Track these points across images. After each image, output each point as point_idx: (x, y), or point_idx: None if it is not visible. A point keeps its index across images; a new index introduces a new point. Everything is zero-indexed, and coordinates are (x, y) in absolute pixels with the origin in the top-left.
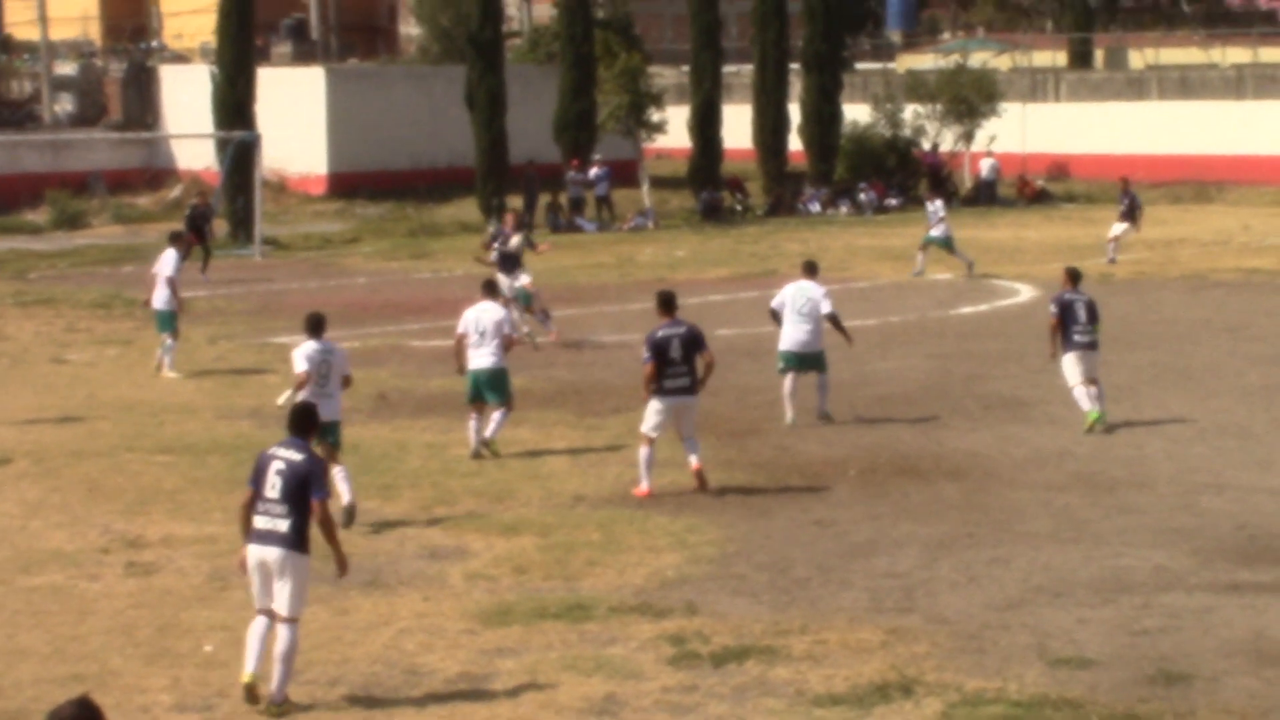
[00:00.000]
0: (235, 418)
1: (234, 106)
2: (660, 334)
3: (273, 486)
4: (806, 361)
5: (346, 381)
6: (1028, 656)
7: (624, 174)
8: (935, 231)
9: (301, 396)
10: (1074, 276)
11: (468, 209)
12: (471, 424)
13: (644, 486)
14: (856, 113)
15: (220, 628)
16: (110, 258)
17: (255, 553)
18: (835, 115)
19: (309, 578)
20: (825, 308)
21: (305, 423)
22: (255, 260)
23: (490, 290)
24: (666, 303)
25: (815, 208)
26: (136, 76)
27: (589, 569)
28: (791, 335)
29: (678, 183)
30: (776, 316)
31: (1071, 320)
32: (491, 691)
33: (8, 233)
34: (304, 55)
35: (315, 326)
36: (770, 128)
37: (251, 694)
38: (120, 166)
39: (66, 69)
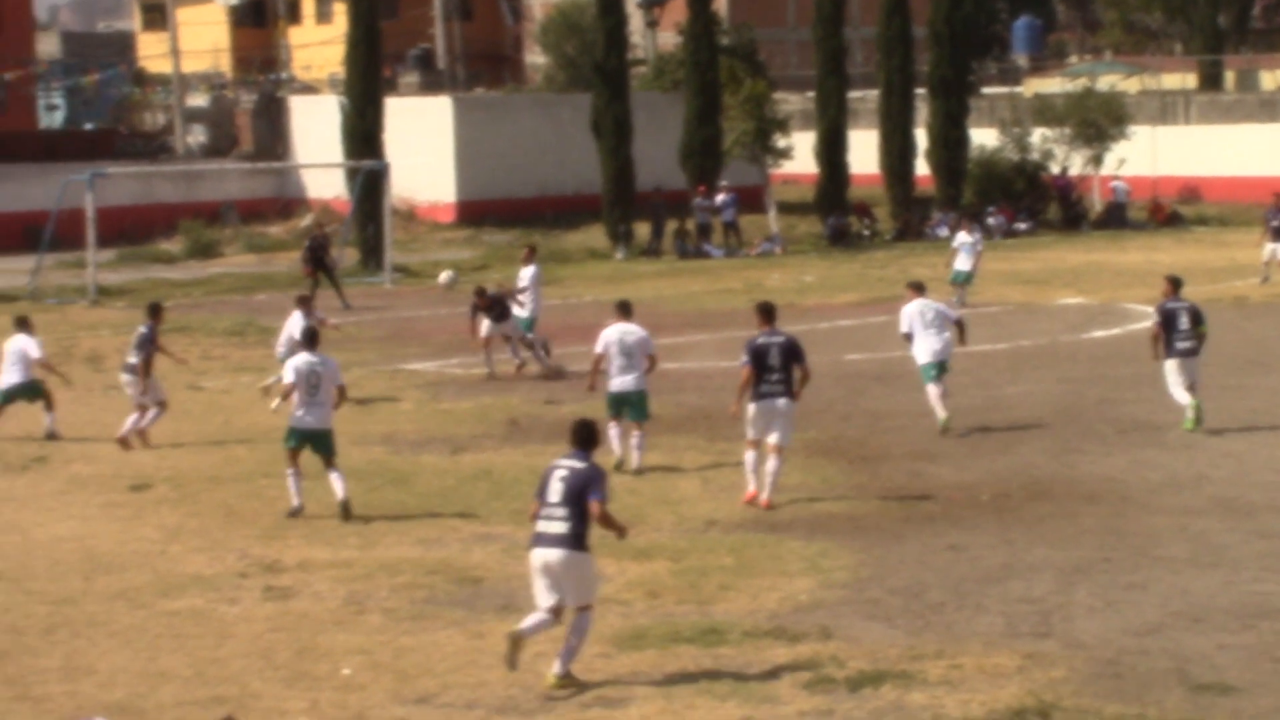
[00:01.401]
0: (368, 444)
1: (363, 136)
2: (759, 341)
3: (554, 492)
4: (944, 367)
5: (340, 393)
6: (1168, 682)
7: (751, 200)
8: (967, 265)
9: (292, 406)
10: (1176, 284)
11: (595, 236)
12: (613, 433)
13: (750, 490)
14: (983, 137)
15: (357, 651)
16: (243, 286)
17: (539, 555)
18: (962, 140)
19: (594, 570)
20: (953, 314)
21: (588, 436)
22: (385, 288)
23: (625, 311)
24: (766, 312)
25: (943, 232)
26: (267, 107)
27: (722, 593)
28: (928, 346)
29: (805, 208)
30: (910, 338)
31: (1173, 327)
32: (627, 715)
33: (143, 262)
34: (431, 85)
35: (308, 340)
36: (897, 153)
37: (569, 683)
38: (252, 196)
39: (199, 101)
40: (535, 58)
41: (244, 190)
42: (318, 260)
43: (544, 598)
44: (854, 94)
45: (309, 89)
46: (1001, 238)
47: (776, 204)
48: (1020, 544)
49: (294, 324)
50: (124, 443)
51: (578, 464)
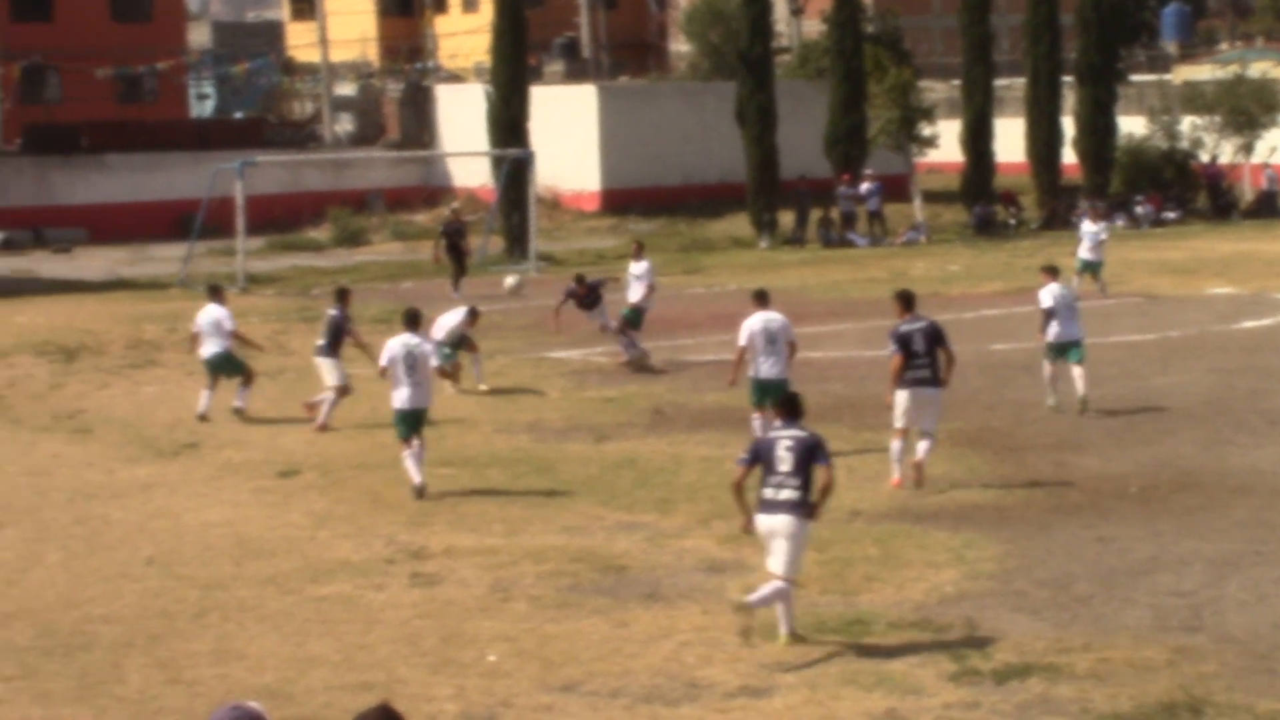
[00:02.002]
0: (513, 431)
1: (508, 124)
2: (903, 328)
3: (784, 461)
4: (1063, 350)
5: (440, 372)
6: None
7: (895, 188)
8: (1090, 255)
9: (392, 389)
10: None
11: (739, 224)
12: (756, 423)
13: (895, 477)
14: (1131, 125)
15: (503, 638)
16: (389, 274)
17: (765, 521)
18: (1110, 127)
19: (806, 542)
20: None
21: (796, 407)
22: (531, 276)
23: (764, 299)
24: (906, 299)
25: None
26: (413, 96)
27: (867, 584)
28: (1057, 329)
29: (950, 197)
30: (1051, 315)
31: None
32: (772, 705)
33: (291, 250)
34: (576, 73)
35: (410, 321)
36: (1043, 141)
37: (793, 641)
38: (398, 184)
39: (346, 90)
40: (679, 46)
41: (391, 179)
42: (452, 245)
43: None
44: (1000, 81)
45: (455, 78)
46: (1149, 226)
47: (921, 192)
48: (1169, 536)
49: (450, 316)
50: (323, 428)
51: (799, 433)
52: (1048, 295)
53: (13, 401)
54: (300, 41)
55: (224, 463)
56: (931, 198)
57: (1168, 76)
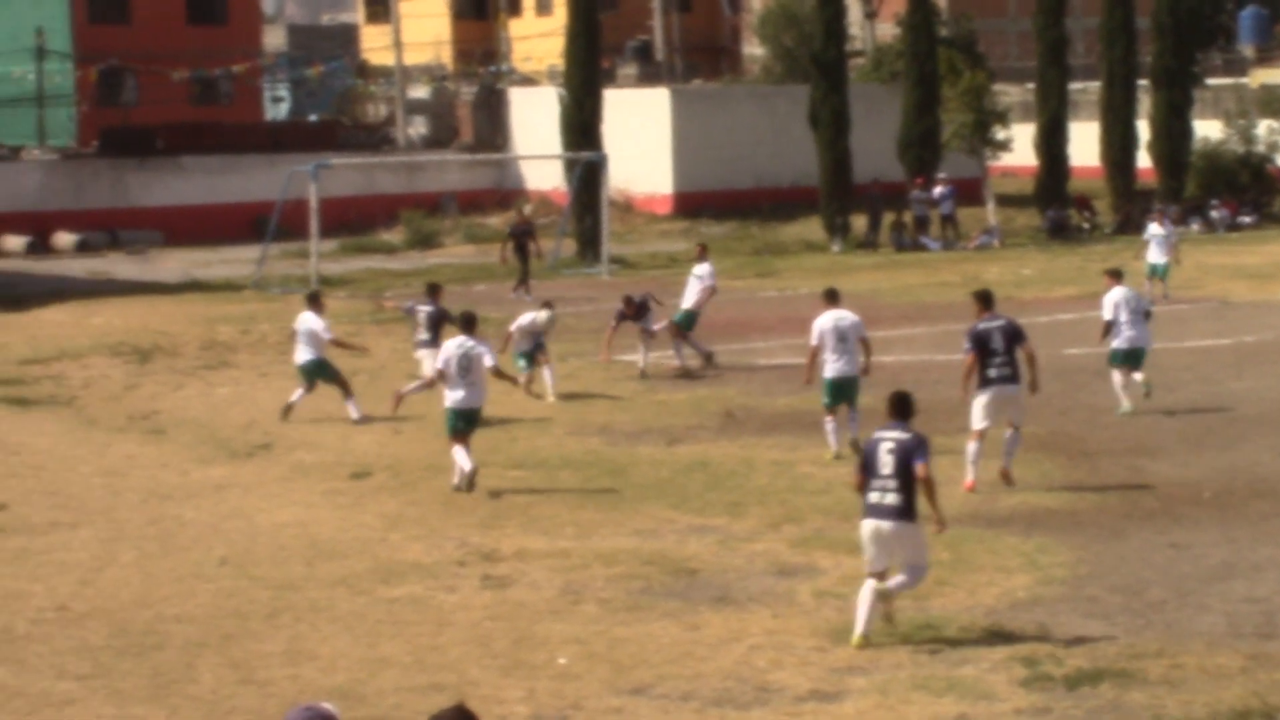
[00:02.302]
0: (584, 434)
1: (581, 128)
2: (981, 326)
3: (885, 465)
4: (1133, 357)
5: (495, 373)
6: None
7: (969, 192)
8: (1156, 258)
9: (444, 390)
10: None
11: (812, 228)
12: (829, 425)
13: (969, 479)
14: (1207, 129)
15: (574, 641)
16: (462, 276)
17: (870, 525)
18: (1185, 131)
19: (923, 537)
20: (1148, 305)
21: (905, 406)
22: (603, 279)
23: (834, 298)
24: (984, 298)
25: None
26: (487, 99)
27: (938, 588)
28: (1125, 334)
29: (1023, 201)
30: (1112, 327)
31: None
32: (842, 710)
33: (364, 252)
34: (649, 76)
35: (466, 324)
36: (1118, 145)
37: (863, 646)
38: (471, 187)
39: (420, 93)
40: (753, 49)
41: (464, 181)
42: (520, 246)
43: (874, 563)
44: (1075, 85)
45: (528, 81)
46: (1225, 231)
47: (995, 196)
48: (1243, 542)
49: (525, 316)
50: (399, 399)
51: (901, 434)
52: (1109, 304)
53: (88, 402)
54: (375, 44)
55: (297, 464)
56: (1005, 202)
57: (1244, 80)
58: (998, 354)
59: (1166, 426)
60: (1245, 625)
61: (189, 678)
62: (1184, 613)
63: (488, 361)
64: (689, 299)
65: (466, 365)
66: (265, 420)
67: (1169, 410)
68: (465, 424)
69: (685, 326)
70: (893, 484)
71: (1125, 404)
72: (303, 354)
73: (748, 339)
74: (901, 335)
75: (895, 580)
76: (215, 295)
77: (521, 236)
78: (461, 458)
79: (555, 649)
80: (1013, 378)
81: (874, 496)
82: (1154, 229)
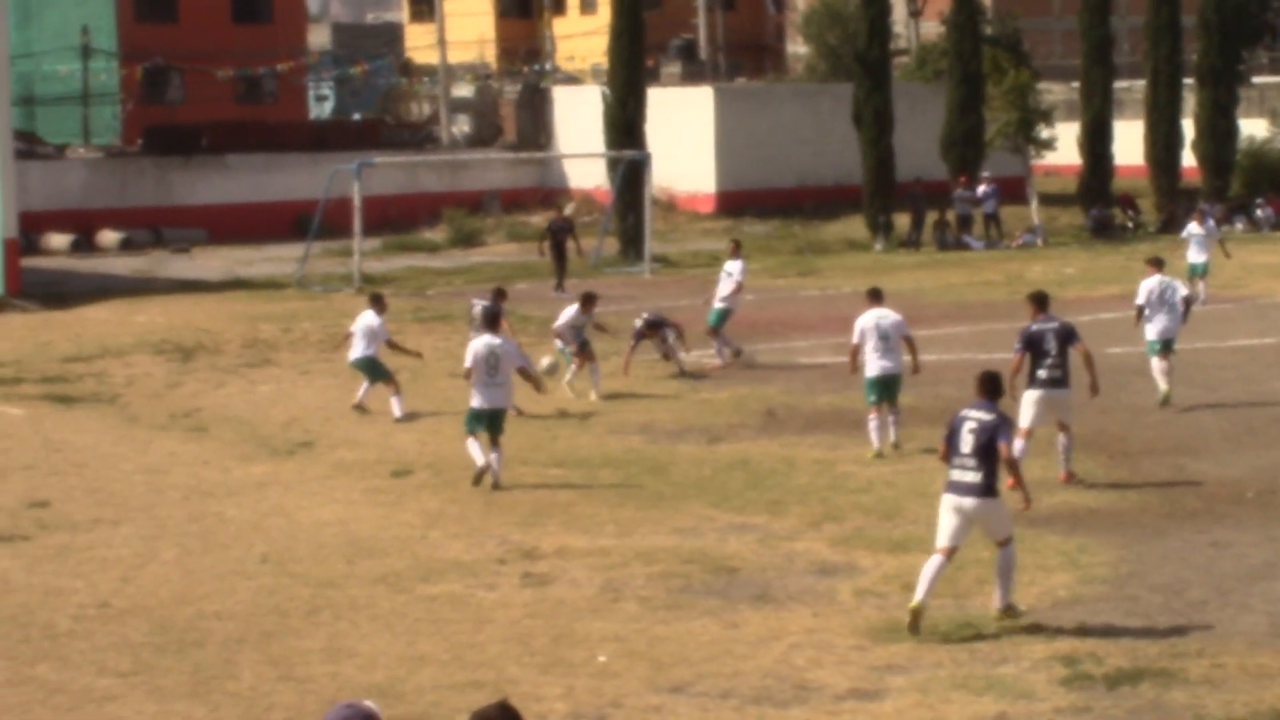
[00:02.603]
0: (625, 432)
1: (624, 126)
2: (1034, 328)
3: (965, 444)
4: (1168, 346)
5: (522, 373)
6: None
7: (1012, 191)
8: (1195, 257)
9: (472, 388)
10: None
11: (855, 227)
12: (872, 424)
13: (1009, 480)
14: (1253, 127)
15: (613, 639)
16: (504, 275)
17: (951, 500)
18: (1231, 130)
19: (1006, 511)
20: (1183, 292)
21: (994, 386)
22: (645, 278)
23: (877, 297)
24: (1040, 300)
25: (1207, 226)
26: (530, 98)
27: (979, 587)
28: (1158, 324)
29: (1067, 200)
30: (1143, 311)
31: None
32: (882, 708)
33: (407, 250)
34: (693, 75)
35: (489, 322)
36: (1163, 144)
37: (914, 619)
38: (514, 186)
39: (464, 91)
40: (797, 48)
41: (507, 180)
42: (557, 244)
43: (947, 537)
44: (1120, 84)
45: (572, 79)
46: (1270, 230)
47: (1038, 195)
48: None
49: (568, 310)
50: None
51: (985, 415)
52: (1143, 290)
53: (130, 400)
54: (419, 43)
55: (337, 462)
56: (1048, 200)
57: None
58: (1049, 355)
59: (1209, 425)
60: None
61: (229, 674)
62: (1225, 612)
63: (518, 361)
64: (722, 292)
65: (494, 365)
66: (306, 418)
67: (1214, 405)
68: (486, 425)
69: (717, 324)
70: (972, 462)
71: (1163, 386)
72: (358, 349)
73: (789, 338)
74: (943, 334)
75: (1000, 579)
76: (258, 293)
77: (560, 234)
78: (476, 451)
79: (595, 647)
80: (1063, 380)
81: (955, 474)
82: (1193, 228)
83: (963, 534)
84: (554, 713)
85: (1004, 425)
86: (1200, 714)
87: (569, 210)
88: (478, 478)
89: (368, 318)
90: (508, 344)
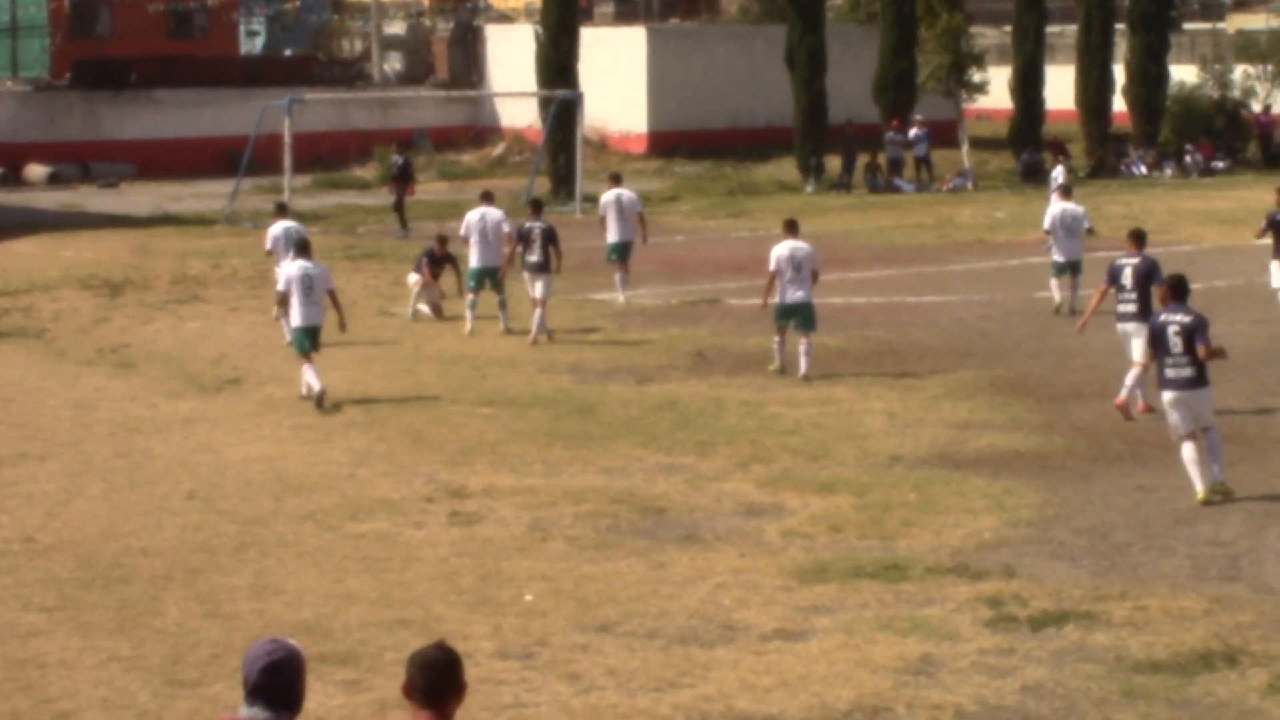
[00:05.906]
0: (555, 372)
1: (557, 66)
2: (1121, 261)
3: (1175, 345)
4: (1071, 268)
5: (331, 296)
6: None
7: (944, 135)
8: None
9: (292, 308)
10: None
11: (786, 169)
12: (776, 341)
13: (1141, 404)
14: (1183, 74)
15: (540, 578)
16: (435, 213)
17: (1170, 395)
18: (1161, 76)
19: (1212, 398)
20: (1086, 223)
21: (1182, 289)
22: (575, 217)
23: (793, 228)
24: (1138, 236)
25: (1139, 170)
26: (463, 36)
27: (905, 529)
28: (1064, 248)
29: (998, 144)
30: (1051, 235)
31: None
32: (807, 649)
33: (337, 188)
34: (626, 15)
35: (301, 248)
36: (1094, 89)
37: (1212, 500)
38: (446, 124)
39: (396, 29)
40: None
41: (438, 118)
42: (399, 178)
43: (1183, 427)
44: (1052, 29)
45: (505, 18)
46: (1199, 176)
47: (970, 139)
48: None
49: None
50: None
51: (1184, 317)
52: (1048, 217)
53: (57, 335)
54: None
55: (265, 399)
56: (979, 145)
57: (1221, 25)
58: (1125, 289)
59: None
60: (1209, 569)
61: (155, 611)
62: (1149, 555)
63: (329, 284)
64: (612, 230)
65: (309, 286)
66: (235, 354)
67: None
68: (313, 342)
69: (622, 257)
70: (1184, 359)
71: (1057, 298)
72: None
73: (718, 279)
74: (874, 277)
75: (1213, 456)
76: (187, 229)
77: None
78: (312, 376)
79: (522, 586)
80: (1136, 315)
81: (1170, 372)
82: (1058, 172)
83: (1192, 419)
84: (480, 651)
85: (1201, 326)
86: (1122, 655)
87: (500, 150)
88: (320, 401)
89: (305, 266)
90: (319, 267)
